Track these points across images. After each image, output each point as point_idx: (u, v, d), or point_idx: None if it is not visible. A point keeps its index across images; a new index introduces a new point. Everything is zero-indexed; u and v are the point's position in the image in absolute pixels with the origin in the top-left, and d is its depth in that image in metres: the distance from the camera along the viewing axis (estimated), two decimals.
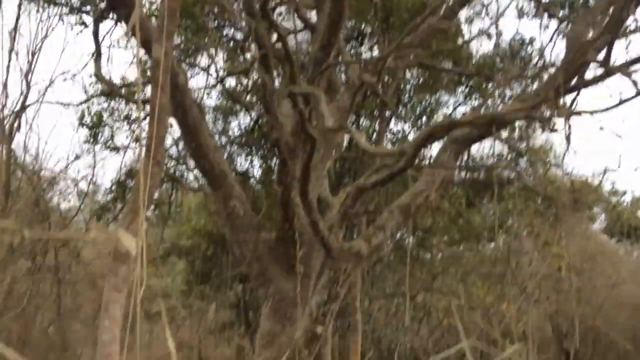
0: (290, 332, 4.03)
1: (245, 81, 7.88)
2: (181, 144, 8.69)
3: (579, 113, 2.95)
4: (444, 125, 3.02)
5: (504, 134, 6.33)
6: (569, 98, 3.53)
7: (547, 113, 3.04)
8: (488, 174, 7.95)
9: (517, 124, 6.76)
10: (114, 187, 8.46)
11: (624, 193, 10.92)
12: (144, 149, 3.37)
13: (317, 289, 3.88)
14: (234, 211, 4.13)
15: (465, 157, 4.32)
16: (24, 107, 6.91)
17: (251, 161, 9.22)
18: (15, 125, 6.94)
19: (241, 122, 8.96)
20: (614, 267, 9.21)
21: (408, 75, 7.51)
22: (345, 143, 7.79)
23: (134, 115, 7.40)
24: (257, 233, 4.24)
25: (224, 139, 8.71)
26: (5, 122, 6.97)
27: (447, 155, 3.67)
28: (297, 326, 3.99)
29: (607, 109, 3.00)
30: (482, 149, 8.03)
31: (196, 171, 8.73)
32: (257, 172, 9.42)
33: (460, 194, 7.23)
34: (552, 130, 6.85)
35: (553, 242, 6.42)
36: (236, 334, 11.13)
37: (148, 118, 3.50)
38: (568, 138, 3.49)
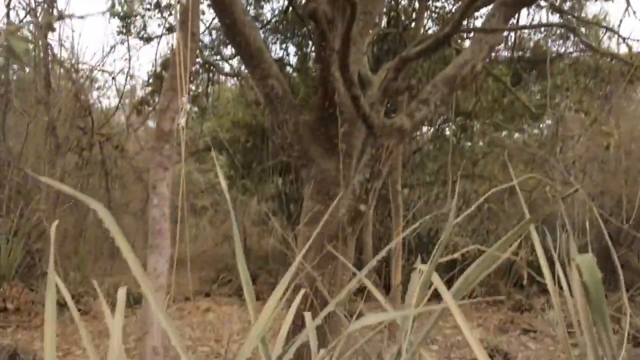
0: (333, 211, 4.07)
1: None
2: (215, 33, 8.52)
3: None
4: None
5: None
6: None
7: None
8: (536, 50, 7.57)
9: None
10: (151, 80, 8.47)
11: None
12: (179, 24, 3.26)
13: (360, 167, 3.85)
14: (272, 91, 4.04)
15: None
16: None
17: (286, 48, 9.01)
18: (50, 16, 6.84)
19: (274, 6, 8.63)
20: None
21: None
22: (384, 20, 7.48)
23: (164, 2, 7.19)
24: (296, 114, 4.17)
25: (257, 25, 8.46)
26: (38, 14, 6.88)
27: (496, 19, 3.42)
28: (340, 205, 4.02)
29: None
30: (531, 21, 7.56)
31: (232, 61, 8.61)
32: (292, 59, 9.24)
33: (506, 72, 6.93)
34: None
35: (602, 120, 6.16)
36: (278, 225, 11.48)
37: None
38: None
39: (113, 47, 8.47)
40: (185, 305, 7.19)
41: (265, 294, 7.64)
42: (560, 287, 1.45)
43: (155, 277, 2.61)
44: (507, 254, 1.26)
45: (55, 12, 7.54)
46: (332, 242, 3.62)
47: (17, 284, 5.96)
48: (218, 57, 9.04)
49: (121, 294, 1.35)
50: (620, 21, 9.23)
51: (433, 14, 7.97)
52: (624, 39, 4.34)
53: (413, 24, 7.59)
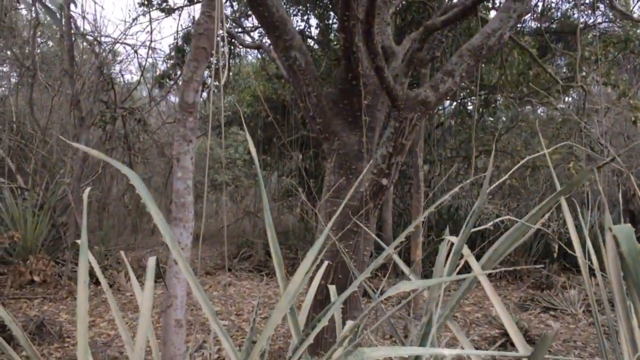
0: (356, 185, 4.04)
1: None
2: (236, 5, 8.45)
3: None
4: None
5: None
6: None
7: None
8: (563, 21, 7.36)
9: None
10: (172, 53, 8.45)
11: None
12: None
13: (382, 140, 3.80)
14: (295, 62, 3.99)
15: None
16: None
17: (307, 20, 8.90)
18: None
19: None
20: None
21: None
22: None
23: None
24: (319, 86, 4.12)
25: None
26: None
27: None
28: (362, 179, 3.99)
29: None
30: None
31: (253, 34, 8.53)
32: (314, 32, 9.13)
33: (532, 43, 6.76)
34: None
35: (631, 94, 5.99)
36: (298, 200, 11.51)
37: None
38: None
39: (135, 19, 8.45)
40: (206, 279, 7.28)
41: (285, 269, 7.72)
42: (590, 263, 1.42)
43: (179, 246, 2.62)
44: (538, 225, 1.22)
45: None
46: (354, 217, 3.60)
47: (44, 256, 6.08)
48: (239, 30, 8.97)
49: (151, 263, 1.35)
50: None
51: None
52: None
53: None
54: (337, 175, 4.01)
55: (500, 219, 1.33)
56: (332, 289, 1.65)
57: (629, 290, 1.07)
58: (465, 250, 1.16)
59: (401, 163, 3.79)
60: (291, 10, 8.90)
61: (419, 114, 3.65)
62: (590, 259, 1.40)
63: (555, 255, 5.50)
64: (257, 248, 8.72)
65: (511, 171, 1.51)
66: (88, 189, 1.32)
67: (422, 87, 3.71)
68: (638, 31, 6.33)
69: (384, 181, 3.66)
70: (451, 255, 1.16)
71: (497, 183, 1.56)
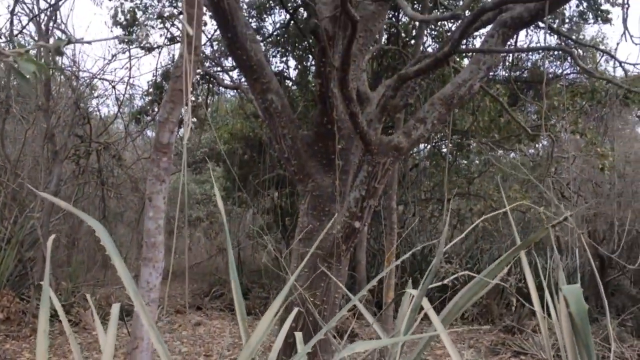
0: (329, 227, 4.07)
1: None
2: (215, 45, 8.57)
3: None
4: (496, 3, 2.81)
5: (554, 24, 5.96)
6: None
7: None
8: (533, 71, 7.62)
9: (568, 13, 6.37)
10: (150, 90, 8.49)
11: None
12: (181, 38, 3.29)
13: (356, 184, 3.86)
14: (271, 105, 4.06)
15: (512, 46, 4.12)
16: (57, 5, 6.82)
17: (286, 62, 9.06)
18: (51, 24, 6.88)
19: (276, 19, 8.71)
20: None
21: None
22: (384, 37, 7.54)
23: (167, 12, 7.24)
24: (295, 129, 4.19)
25: (258, 38, 8.52)
26: (41, 21, 6.92)
27: (495, 40, 3.46)
28: (334, 221, 4.02)
29: None
30: (530, 42, 7.65)
31: (232, 73, 8.65)
32: (292, 73, 9.28)
33: (503, 92, 6.98)
34: (606, 19, 6.44)
35: (598, 142, 6.20)
36: (273, 238, 11.46)
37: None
38: (625, 21, 3.22)
39: (114, 55, 8.50)
40: (176, 318, 7.14)
41: (257, 309, 7.63)
42: (549, 313, 1.46)
43: (148, 291, 2.60)
44: (496, 280, 1.26)
45: (62, 35, 7.60)
46: (326, 260, 3.61)
47: (8, 292, 5.90)
48: (218, 69, 9.09)
49: (115, 310, 1.35)
50: (617, 44, 9.30)
51: (433, 32, 8.05)
52: (620, 62, 4.39)
53: (413, 41, 7.66)
54: (311, 217, 4.04)
55: (455, 275, 1.37)
56: (299, 336, 1.65)
57: (579, 349, 1.11)
58: (426, 304, 1.19)
59: (374, 206, 3.84)
60: (270, 52, 9.07)
61: (392, 159, 3.72)
62: (549, 311, 1.44)
63: (514, 308, 5.57)
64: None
65: (477, 222, 1.55)
66: (52, 237, 1.32)
67: (395, 133, 3.80)
68: (604, 83, 6.59)
69: (357, 224, 3.70)
70: (408, 311, 1.18)
71: (461, 236, 1.61)
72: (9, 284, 6.53)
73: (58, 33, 7.62)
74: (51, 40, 7.49)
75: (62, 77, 8.97)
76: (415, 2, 7.32)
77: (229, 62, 8.89)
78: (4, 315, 5.69)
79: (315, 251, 3.66)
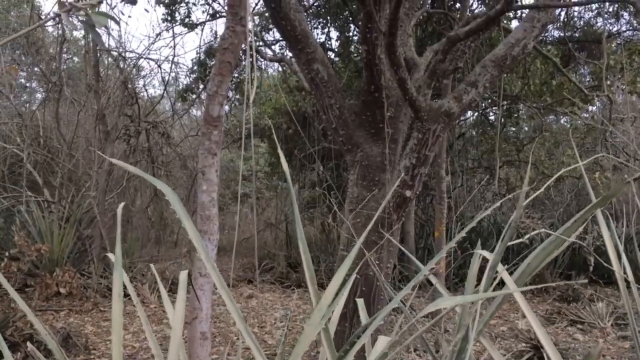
0: (378, 197, 4.03)
1: None
2: (257, 19, 8.53)
3: None
4: None
5: None
6: None
7: None
8: (586, 30, 7.27)
9: None
10: (195, 67, 8.56)
11: None
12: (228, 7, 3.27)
13: (405, 152, 3.78)
14: (317, 75, 4.01)
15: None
16: None
17: (328, 33, 8.95)
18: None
19: None
20: None
21: None
22: (429, 1, 7.32)
23: None
24: (342, 98, 4.13)
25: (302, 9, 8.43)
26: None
27: None
28: (385, 191, 3.98)
29: None
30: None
31: (274, 47, 8.60)
32: (334, 44, 9.17)
33: (555, 53, 6.70)
34: None
35: None
36: (320, 212, 11.51)
37: None
38: None
39: (158, 34, 8.59)
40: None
41: (305, 281, 7.67)
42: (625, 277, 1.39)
43: (209, 253, 2.64)
44: (572, 238, 1.20)
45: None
46: (377, 230, 3.58)
47: (69, 269, 6.15)
48: (261, 43, 9.06)
49: (183, 277, 1.37)
50: None
51: None
52: None
53: (458, 5, 7.42)
54: (360, 187, 4.01)
55: (536, 232, 1.31)
56: (360, 302, 1.64)
57: None
58: (499, 266, 1.15)
59: (424, 175, 3.77)
60: (312, 23, 8.97)
61: (442, 125, 3.63)
62: (625, 272, 1.37)
63: (591, 268, 5.39)
64: (278, 260, 8.72)
65: (545, 186, 1.48)
66: (122, 205, 1.34)
67: (445, 98, 3.70)
68: None
69: (408, 193, 3.64)
70: (487, 270, 1.14)
71: (534, 195, 1.54)
72: (69, 261, 6.81)
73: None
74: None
75: (109, 58, 9.15)
76: None
77: (270, 36, 8.85)
78: (66, 291, 5.94)
79: (367, 221, 3.63)
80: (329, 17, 8.71)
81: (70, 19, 0.97)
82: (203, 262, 2.72)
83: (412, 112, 3.64)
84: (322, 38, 9.06)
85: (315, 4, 8.87)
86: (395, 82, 3.63)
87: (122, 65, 8.82)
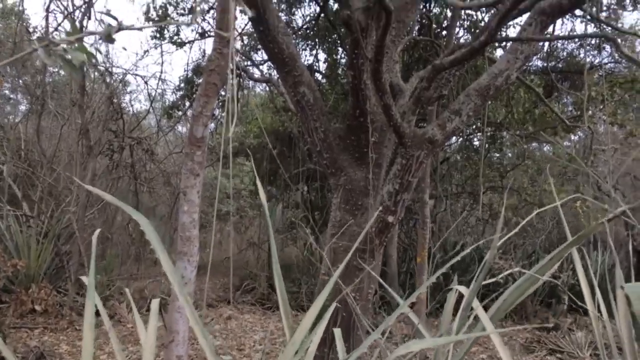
0: (361, 221, 4.03)
1: None
2: (246, 39, 8.58)
3: None
4: None
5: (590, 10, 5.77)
6: None
7: None
8: (569, 61, 7.41)
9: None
10: (182, 85, 8.55)
11: None
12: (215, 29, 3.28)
13: (389, 177, 3.80)
14: (303, 98, 4.03)
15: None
16: (91, 2, 6.91)
17: (316, 55, 9.02)
18: (85, 21, 6.98)
19: (306, 11, 8.66)
20: None
21: None
22: (416, 28, 7.42)
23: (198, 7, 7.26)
24: (327, 121, 4.15)
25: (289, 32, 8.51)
26: (76, 18, 7.02)
27: (533, 28, 3.35)
28: (368, 215, 3.98)
29: None
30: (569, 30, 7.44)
31: (262, 67, 8.65)
32: (322, 66, 9.23)
33: (538, 82, 6.80)
34: None
35: (638, 133, 5.99)
36: (303, 233, 11.46)
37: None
38: None
39: (146, 51, 8.59)
40: (208, 312, 7.20)
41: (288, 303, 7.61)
42: (600, 311, 1.39)
43: (183, 285, 2.60)
44: (546, 277, 1.20)
45: (113, 22, 7.68)
46: (360, 255, 3.57)
47: (46, 285, 6.03)
48: (248, 63, 9.11)
49: (154, 305, 1.34)
50: None
51: (465, 22, 7.90)
52: None
53: (445, 32, 7.53)
54: (343, 211, 4.00)
55: (508, 272, 1.31)
56: (338, 332, 1.62)
57: None
58: (475, 302, 1.14)
59: (407, 200, 3.78)
60: (300, 45, 9.03)
61: (426, 152, 3.65)
62: (599, 309, 1.37)
63: (564, 306, 5.41)
64: (260, 281, 8.64)
65: (526, 219, 1.49)
66: (98, 231, 1.31)
67: (430, 125, 3.73)
68: None
69: (390, 218, 3.64)
70: (461, 309, 1.14)
71: (515, 230, 1.54)
72: (46, 277, 6.68)
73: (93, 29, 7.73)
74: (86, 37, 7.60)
75: (95, 73, 9.11)
76: None
77: (258, 56, 8.89)
78: (41, 308, 5.81)
79: (349, 245, 3.62)
80: (317, 40, 8.79)
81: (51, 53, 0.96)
82: (179, 285, 2.69)
83: (396, 138, 3.66)
84: (310, 60, 9.13)
85: (304, 27, 8.95)
86: (380, 108, 3.65)
87: (108, 80, 8.79)
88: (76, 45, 0.95)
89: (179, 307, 2.66)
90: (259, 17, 3.83)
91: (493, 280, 1.22)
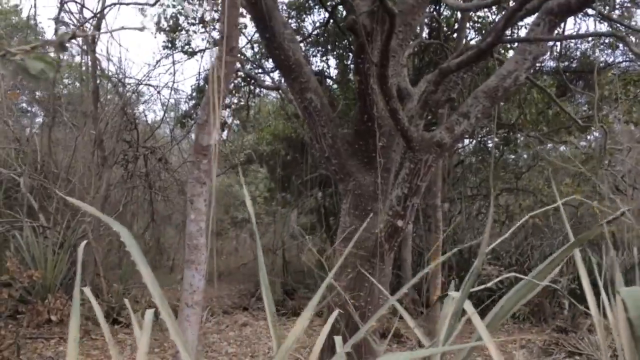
0: (370, 226, 4.01)
1: None
2: (256, 47, 8.62)
3: None
4: None
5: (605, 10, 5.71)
6: None
7: None
8: (582, 60, 7.33)
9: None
10: (194, 94, 8.62)
11: None
12: (221, 39, 3.30)
13: (397, 182, 3.78)
14: (310, 104, 4.03)
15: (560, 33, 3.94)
16: (102, 12, 7.00)
17: (327, 61, 9.03)
18: (97, 34, 7.07)
19: (315, 18, 8.67)
20: None
21: None
22: (425, 31, 7.40)
23: (208, 16, 7.33)
24: (335, 127, 4.15)
25: (298, 38, 8.53)
26: (87, 29, 7.12)
27: (541, 28, 3.31)
28: (377, 220, 3.96)
29: None
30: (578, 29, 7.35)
31: (273, 74, 8.68)
32: (333, 72, 9.24)
33: (551, 83, 6.73)
34: None
35: None
36: (318, 238, 11.46)
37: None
38: None
39: (158, 61, 8.67)
40: (223, 318, 7.21)
41: (301, 309, 7.60)
42: (605, 315, 1.36)
43: (191, 293, 2.60)
44: (546, 282, 1.18)
45: (93, 27, 7.78)
46: (369, 260, 3.55)
47: (62, 295, 6.08)
48: (259, 71, 9.14)
49: (148, 317, 1.34)
50: None
51: (475, 24, 7.85)
52: None
53: (455, 35, 7.49)
54: (353, 217, 3.99)
55: (499, 278, 1.29)
56: (338, 340, 1.61)
57: None
58: (469, 308, 1.12)
59: (417, 204, 3.75)
60: (311, 51, 9.05)
61: (435, 156, 3.63)
62: (605, 315, 1.34)
63: (566, 311, 5.32)
64: (274, 287, 8.64)
65: (529, 216, 1.47)
66: (84, 243, 1.32)
67: (438, 128, 3.70)
68: None
69: (399, 223, 3.62)
70: (448, 317, 1.12)
71: (506, 235, 1.52)
72: (62, 287, 6.74)
73: (104, 43, 7.82)
74: (99, 47, 7.71)
75: (109, 84, 9.23)
76: None
77: (269, 64, 8.93)
78: (57, 318, 5.86)
79: (358, 251, 3.61)
80: (328, 46, 8.80)
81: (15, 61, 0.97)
82: (189, 292, 2.69)
83: (404, 142, 3.65)
84: (321, 66, 9.14)
85: (314, 32, 8.96)
86: (387, 112, 3.64)
87: (121, 91, 8.89)
88: (33, 55, 0.95)
89: (188, 316, 2.66)
90: (264, 24, 3.85)
91: (483, 287, 1.20)
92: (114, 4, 7.36)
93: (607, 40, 7.71)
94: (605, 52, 8.06)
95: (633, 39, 7.56)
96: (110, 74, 8.97)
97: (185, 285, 2.64)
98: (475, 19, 7.75)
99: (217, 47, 3.41)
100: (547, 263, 1.11)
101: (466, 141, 10.43)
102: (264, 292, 1.23)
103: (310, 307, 1.19)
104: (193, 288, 2.67)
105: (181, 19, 8.56)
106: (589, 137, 9.62)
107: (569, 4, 3.20)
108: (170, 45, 8.56)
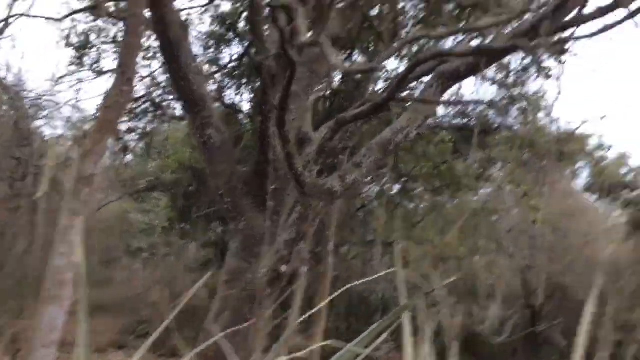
0: (256, 269, 3.98)
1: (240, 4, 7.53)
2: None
3: (564, 42, 2.83)
4: (430, 55, 2.87)
5: (498, 75, 6.16)
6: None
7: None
8: (477, 120, 7.82)
9: (511, 64, 6.57)
10: (99, 114, 8.26)
11: (610, 148, 10.62)
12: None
13: (286, 225, 3.80)
14: (210, 140, 4.00)
15: (453, 97, 4.23)
16: (7, 21, 6.60)
17: (240, 94, 9.00)
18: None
19: (233, 51, 8.63)
20: (590, 225, 9.18)
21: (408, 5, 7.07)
22: (338, 77, 7.58)
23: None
24: (233, 165, 4.13)
25: (214, 69, 8.47)
26: None
27: (433, 90, 3.53)
28: (262, 264, 3.94)
29: (593, 34, 2.88)
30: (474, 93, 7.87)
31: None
32: (246, 107, 9.22)
33: (447, 140, 7.11)
34: (547, 75, 6.71)
35: (533, 194, 6.37)
36: (212, 273, 11.15)
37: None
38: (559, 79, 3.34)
39: (62, 77, 8.26)
40: (94, 358, 6.73)
41: (182, 350, 7.19)
42: None
43: (49, 332, 2.42)
44: (368, 351, 1.17)
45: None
46: (251, 304, 3.51)
47: None
48: (171, 97, 8.93)
49: None
50: (555, 100, 9.62)
51: (384, 74, 8.17)
52: (554, 120, 4.56)
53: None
54: (239, 259, 3.95)
55: (310, 347, 1.29)
56: None
57: None
58: None
59: (305, 250, 3.78)
60: (226, 83, 8.97)
61: (325, 202, 3.69)
62: None
63: None
64: (158, 324, 8.25)
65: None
66: None
67: (331, 176, 3.79)
68: (543, 136, 6.82)
69: (283, 268, 3.62)
70: None
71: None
72: None
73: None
74: None
75: (4, 96, 8.65)
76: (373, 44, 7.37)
77: None
78: None
79: (240, 293, 3.56)
80: (243, 79, 8.77)
81: None
82: (47, 330, 2.51)
83: (296, 187, 3.68)
84: (235, 99, 9.10)
85: (229, 64, 8.92)
86: (284, 156, 3.67)
87: (17, 104, 8.36)
88: None
89: (43, 357, 2.47)
90: (171, 54, 3.80)
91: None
92: (20, 15, 7.02)
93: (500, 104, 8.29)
94: (497, 115, 8.66)
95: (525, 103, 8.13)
96: (6, 83, 8.41)
97: (44, 323, 2.46)
98: (386, 70, 8.07)
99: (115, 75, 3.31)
100: (368, 332, 1.09)
101: (369, 186, 10.71)
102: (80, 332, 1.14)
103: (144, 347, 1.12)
104: (52, 326, 2.49)
105: (93, 36, 8.25)
106: (479, 192, 10.21)
107: (459, 70, 3.44)
108: (77, 62, 8.18)
